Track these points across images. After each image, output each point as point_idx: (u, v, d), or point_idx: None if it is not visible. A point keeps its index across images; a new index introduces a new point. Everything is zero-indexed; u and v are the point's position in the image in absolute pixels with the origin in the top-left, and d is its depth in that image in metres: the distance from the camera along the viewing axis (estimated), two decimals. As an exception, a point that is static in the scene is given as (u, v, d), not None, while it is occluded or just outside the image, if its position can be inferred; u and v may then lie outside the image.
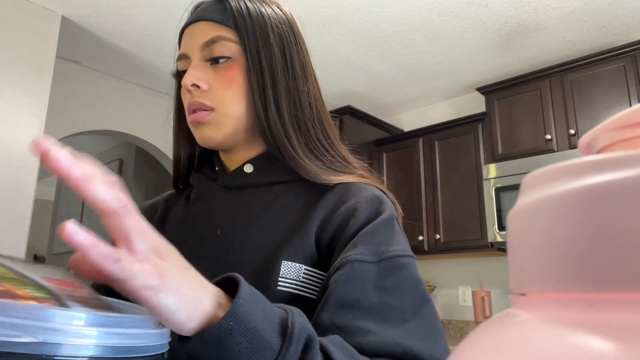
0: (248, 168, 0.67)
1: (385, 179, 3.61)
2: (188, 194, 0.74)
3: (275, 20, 0.67)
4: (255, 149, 0.68)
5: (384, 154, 3.68)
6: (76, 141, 4.61)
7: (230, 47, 0.64)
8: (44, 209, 6.68)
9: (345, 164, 0.68)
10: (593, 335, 0.12)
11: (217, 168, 0.71)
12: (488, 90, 3.20)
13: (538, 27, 2.82)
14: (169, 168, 3.89)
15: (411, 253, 0.58)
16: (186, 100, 0.65)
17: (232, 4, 0.66)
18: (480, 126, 3.25)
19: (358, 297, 0.51)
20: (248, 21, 0.65)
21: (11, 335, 0.29)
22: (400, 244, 0.58)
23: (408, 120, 4.01)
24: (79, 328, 0.31)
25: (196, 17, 0.66)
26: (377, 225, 0.58)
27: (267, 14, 0.67)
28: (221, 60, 0.64)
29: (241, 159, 0.69)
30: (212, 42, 0.64)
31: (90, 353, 0.31)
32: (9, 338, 0.28)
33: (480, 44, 3.00)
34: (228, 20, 0.65)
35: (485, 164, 3.14)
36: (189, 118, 0.64)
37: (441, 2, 2.60)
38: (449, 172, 3.32)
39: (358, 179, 0.66)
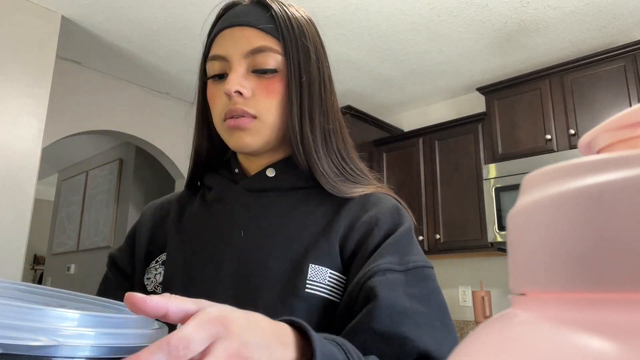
0: (270, 172, 0.68)
1: (385, 179, 3.60)
2: (203, 195, 0.74)
3: (311, 32, 0.69)
4: (278, 155, 0.70)
5: (384, 154, 3.68)
6: (76, 141, 4.62)
7: (276, 58, 0.65)
8: (44, 209, 6.68)
9: (362, 176, 0.70)
10: (593, 335, 0.12)
11: (236, 170, 0.71)
12: (488, 90, 3.20)
13: (538, 27, 2.82)
14: (169, 168, 3.89)
15: (431, 263, 0.62)
16: (221, 103, 0.65)
17: (278, 13, 0.66)
18: (480, 126, 3.25)
19: (394, 302, 0.54)
20: (292, 34, 0.66)
21: (8, 337, 0.29)
22: (421, 254, 0.62)
23: (408, 120, 4.01)
24: (75, 329, 0.31)
25: (241, 21, 0.66)
26: (400, 236, 0.61)
27: (304, 25, 0.69)
28: (267, 72, 0.64)
29: (263, 163, 0.70)
30: (258, 51, 0.64)
31: (87, 354, 0.31)
32: (6, 340, 0.28)
33: (480, 44, 3.00)
34: (275, 31, 0.65)
35: (485, 164, 3.14)
36: (229, 122, 0.64)
37: (441, 2, 2.60)
38: (449, 172, 3.32)
39: (376, 189, 0.68)
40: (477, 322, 3.12)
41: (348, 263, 0.61)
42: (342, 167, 0.68)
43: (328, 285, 0.59)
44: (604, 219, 0.13)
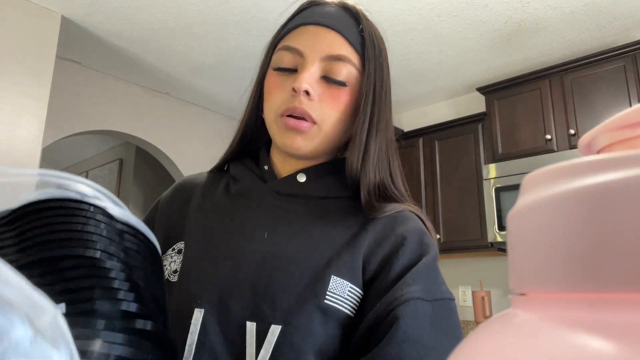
0: (301, 177, 0.67)
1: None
2: (227, 185, 0.72)
3: (385, 51, 0.69)
4: (312, 160, 0.68)
5: (384, 154, 3.68)
6: (76, 141, 4.62)
7: (350, 71, 0.64)
8: (44, 209, 6.67)
9: (400, 197, 0.69)
10: (593, 335, 0.12)
11: (265, 167, 0.70)
12: (488, 90, 3.20)
13: (538, 27, 2.82)
14: (169, 168, 3.89)
15: (453, 295, 0.61)
16: (282, 96, 0.63)
17: (366, 30, 0.66)
18: (480, 126, 3.25)
19: (421, 334, 0.54)
20: (374, 54, 0.66)
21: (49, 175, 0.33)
22: (444, 284, 0.61)
23: (408, 120, 4.02)
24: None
25: (329, 23, 0.64)
26: (428, 264, 0.60)
27: (382, 44, 0.68)
28: (336, 83, 0.64)
29: (295, 166, 0.68)
30: (338, 59, 0.63)
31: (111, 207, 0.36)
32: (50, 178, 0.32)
33: (480, 44, 3.00)
34: (360, 47, 0.65)
35: (485, 164, 3.14)
36: (288, 121, 0.63)
37: (441, 2, 2.60)
38: (449, 172, 3.32)
39: (404, 207, 0.67)
40: (477, 322, 3.12)
41: (370, 280, 0.61)
42: (385, 187, 0.67)
43: (347, 299, 0.59)
44: (604, 219, 0.13)
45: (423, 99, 3.83)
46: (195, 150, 3.88)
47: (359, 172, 0.64)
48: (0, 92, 2.50)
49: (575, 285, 0.13)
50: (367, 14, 0.69)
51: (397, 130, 3.92)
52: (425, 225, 0.67)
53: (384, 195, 0.67)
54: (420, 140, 3.50)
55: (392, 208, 0.65)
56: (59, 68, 3.06)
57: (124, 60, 3.28)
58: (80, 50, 3.17)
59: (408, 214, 0.66)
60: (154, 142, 3.68)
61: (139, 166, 4.51)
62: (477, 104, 3.51)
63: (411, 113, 4.03)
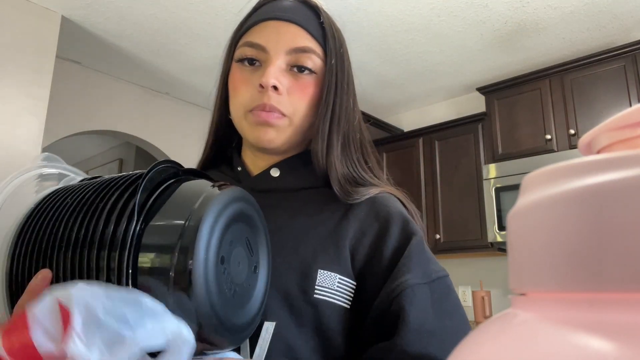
0: (274, 172, 0.68)
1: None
2: None
3: (344, 42, 0.70)
4: (284, 154, 0.69)
5: (384, 154, 3.68)
6: (76, 141, 4.61)
7: (316, 62, 0.65)
8: (44, 209, 6.67)
9: (376, 180, 0.69)
10: (593, 335, 0.12)
11: (239, 169, 0.70)
12: (488, 90, 3.20)
13: (538, 27, 2.81)
14: (169, 168, 3.89)
15: (446, 270, 0.62)
16: (249, 93, 0.63)
17: (326, 21, 0.67)
18: (480, 126, 3.25)
19: (423, 321, 0.54)
20: (336, 45, 0.67)
21: None
22: (436, 262, 0.62)
23: (408, 120, 4.01)
24: None
25: (290, 17, 0.65)
26: (417, 246, 0.61)
27: (341, 35, 0.70)
28: (305, 72, 0.64)
29: (268, 162, 0.69)
30: (302, 51, 0.64)
31: None
32: None
33: (480, 44, 3.00)
34: (320, 36, 0.66)
35: (485, 164, 3.14)
36: (259, 115, 0.62)
37: (441, 2, 2.60)
38: (449, 172, 3.32)
39: (381, 190, 0.67)
40: (477, 322, 3.12)
41: (362, 269, 0.61)
42: (359, 173, 0.67)
43: (337, 290, 0.59)
44: (604, 219, 0.13)
45: (423, 99, 3.83)
46: (195, 150, 3.86)
47: (324, 162, 0.65)
48: (0, 92, 2.50)
49: (575, 285, 0.13)
50: (323, 6, 0.71)
51: (396, 130, 3.92)
52: (405, 206, 0.67)
53: (359, 181, 0.67)
54: (420, 140, 3.50)
55: (370, 191, 0.65)
56: (59, 68, 3.06)
57: (124, 60, 3.28)
58: (80, 50, 3.17)
59: (387, 196, 0.67)
60: (154, 142, 3.68)
61: (139, 166, 4.51)
62: (477, 104, 3.51)
63: (411, 113, 4.03)
